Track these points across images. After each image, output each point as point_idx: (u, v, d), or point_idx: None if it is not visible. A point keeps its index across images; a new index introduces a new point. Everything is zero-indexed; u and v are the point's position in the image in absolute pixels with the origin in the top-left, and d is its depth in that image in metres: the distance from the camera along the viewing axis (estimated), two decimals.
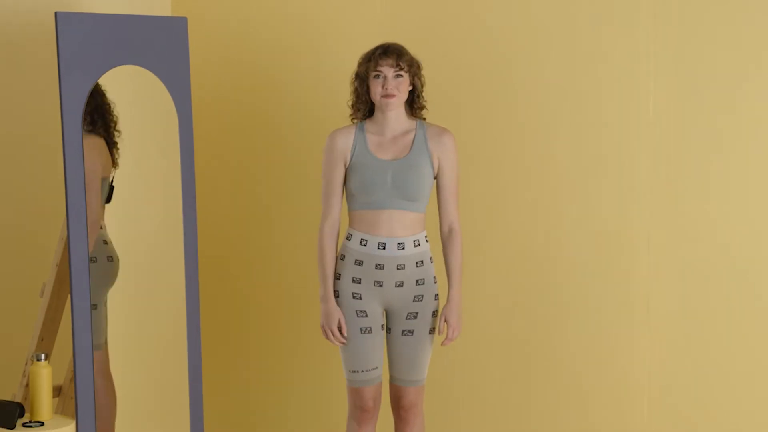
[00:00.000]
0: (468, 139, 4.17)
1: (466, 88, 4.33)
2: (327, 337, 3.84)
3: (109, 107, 3.89)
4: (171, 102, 3.96)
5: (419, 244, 3.82)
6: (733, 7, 3.92)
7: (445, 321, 3.84)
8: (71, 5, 4.32)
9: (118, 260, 3.97)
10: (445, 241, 3.87)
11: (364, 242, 3.80)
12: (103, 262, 3.94)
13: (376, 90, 3.77)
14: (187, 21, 3.98)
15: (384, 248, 3.78)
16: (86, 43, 3.73)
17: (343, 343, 3.83)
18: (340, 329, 3.82)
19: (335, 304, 3.83)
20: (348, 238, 3.83)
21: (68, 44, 3.69)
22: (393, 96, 3.75)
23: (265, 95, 4.72)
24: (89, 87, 3.75)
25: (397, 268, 3.80)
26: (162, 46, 3.91)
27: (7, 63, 4.24)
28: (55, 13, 3.68)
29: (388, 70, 3.76)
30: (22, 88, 4.27)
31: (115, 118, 3.92)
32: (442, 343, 3.85)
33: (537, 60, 4.22)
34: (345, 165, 3.83)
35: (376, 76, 3.77)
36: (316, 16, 4.62)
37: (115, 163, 3.97)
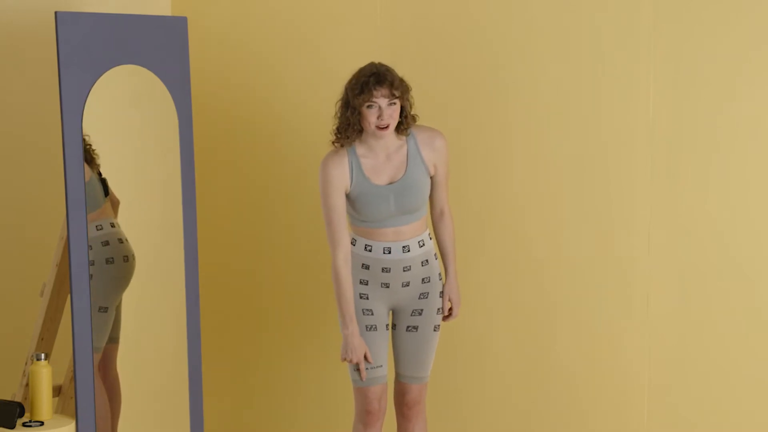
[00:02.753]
0: (467, 139, 4.17)
1: (465, 88, 4.33)
2: (350, 363, 3.82)
3: (84, 140, 3.84)
4: (171, 102, 3.96)
5: (424, 244, 3.83)
6: (732, 7, 3.92)
7: (449, 299, 3.90)
8: (71, 5, 4.32)
9: (134, 258, 3.96)
10: (437, 222, 3.92)
11: (369, 248, 3.80)
12: (120, 263, 3.94)
13: (370, 120, 3.71)
14: (187, 21, 3.98)
15: (389, 252, 3.79)
16: (86, 43, 3.73)
17: (364, 375, 3.82)
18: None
19: (360, 337, 3.79)
20: (352, 243, 3.83)
21: (68, 44, 3.69)
22: (388, 127, 3.74)
23: (265, 95, 4.72)
24: (89, 87, 3.75)
25: (404, 270, 3.80)
26: (162, 46, 3.91)
27: (7, 63, 4.24)
28: (55, 12, 3.68)
29: (382, 101, 3.71)
30: (22, 88, 4.27)
31: (94, 156, 3.88)
32: (445, 319, 3.91)
33: (536, 60, 4.22)
34: (346, 191, 3.78)
35: (370, 107, 3.72)
36: (316, 16, 4.62)
37: (92, 165, 3.91)
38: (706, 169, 3.99)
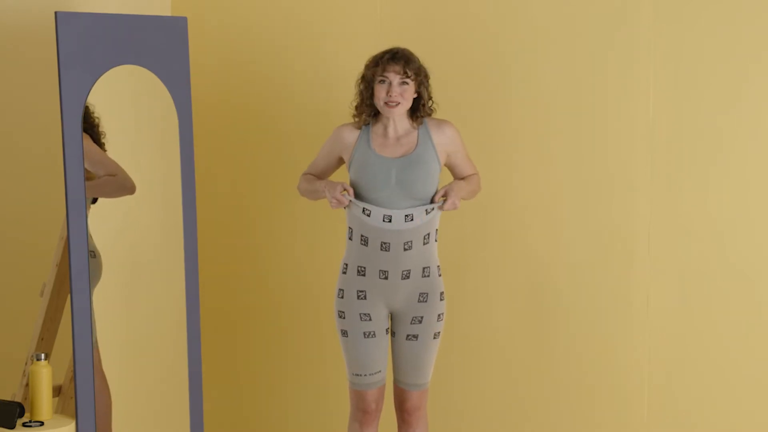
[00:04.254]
0: (467, 138, 4.16)
1: (466, 88, 4.33)
2: (338, 200, 3.76)
3: (89, 108, 3.84)
4: (171, 102, 3.96)
5: (429, 212, 3.77)
6: (732, 7, 3.92)
7: (445, 194, 3.76)
8: (71, 5, 4.32)
9: (100, 256, 3.94)
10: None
11: (367, 212, 3.76)
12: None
13: (380, 95, 3.76)
14: (187, 21, 3.98)
15: (390, 221, 3.75)
16: (86, 43, 3.73)
17: (350, 200, 3.77)
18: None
19: (332, 180, 3.83)
20: (348, 207, 3.79)
21: (68, 44, 3.69)
22: (396, 104, 3.75)
23: (265, 95, 4.72)
24: (89, 87, 3.75)
25: (404, 249, 3.76)
26: (162, 46, 3.91)
27: (7, 63, 4.24)
28: (55, 13, 3.68)
29: (393, 77, 3.74)
30: (22, 88, 4.27)
31: (96, 120, 3.89)
32: (440, 207, 3.77)
33: (537, 60, 4.22)
34: (342, 159, 3.86)
35: (382, 81, 3.75)
36: (316, 16, 4.62)
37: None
38: (706, 169, 3.99)
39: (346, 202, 3.77)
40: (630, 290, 4.13)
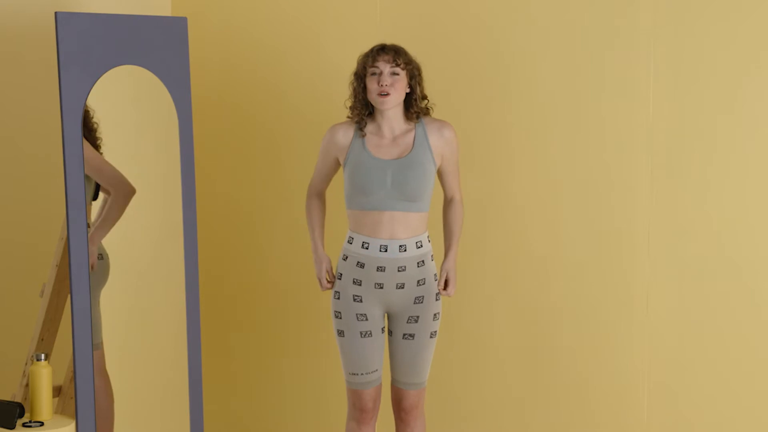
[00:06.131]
0: (467, 138, 4.17)
1: (465, 88, 4.33)
2: (321, 284, 3.91)
3: (88, 113, 3.84)
4: (171, 102, 3.96)
5: (421, 245, 3.81)
6: (732, 7, 3.92)
7: (446, 278, 3.87)
8: (71, 5, 4.32)
9: (108, 257, 3.95)
10: (446, 207, 3.92)
11: (366, 245, 3.78)
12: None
13: (372, 87, 3.75)
14: (187, 21, 3.98)
15: (386, 251, 3.77)
16: (86, 43, 3.73)
17: (329, 288, 3.88)
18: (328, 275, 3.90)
19: (323, 252, 3.90)
20: (349, 242, 3.82)
21: (68, 44, 3.69)
22: (388, 94, 3.74)
23: (265, 95, 4.72)
24: (89, 87, 3.75)
25: (398, 270, 3.79)
26: (162, 46, 3.91)
27: (7, 63, 4.24)
28: (55, 13, 3.68)
29: (384, 66, 3.74)
30: (22, 88, 4.27)
31: (95, 125, 3.89)
32: (442, 293, 3.87)
33: (536, 60, 4.22)
34: (339, 160, 3.85)
35: (373, 73, 3.75)
36: (316, 16, 4.62)
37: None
38: (706, 169, 3.99)
39: (327, 288, 3.90)
40: (630, 290, 4.13)
